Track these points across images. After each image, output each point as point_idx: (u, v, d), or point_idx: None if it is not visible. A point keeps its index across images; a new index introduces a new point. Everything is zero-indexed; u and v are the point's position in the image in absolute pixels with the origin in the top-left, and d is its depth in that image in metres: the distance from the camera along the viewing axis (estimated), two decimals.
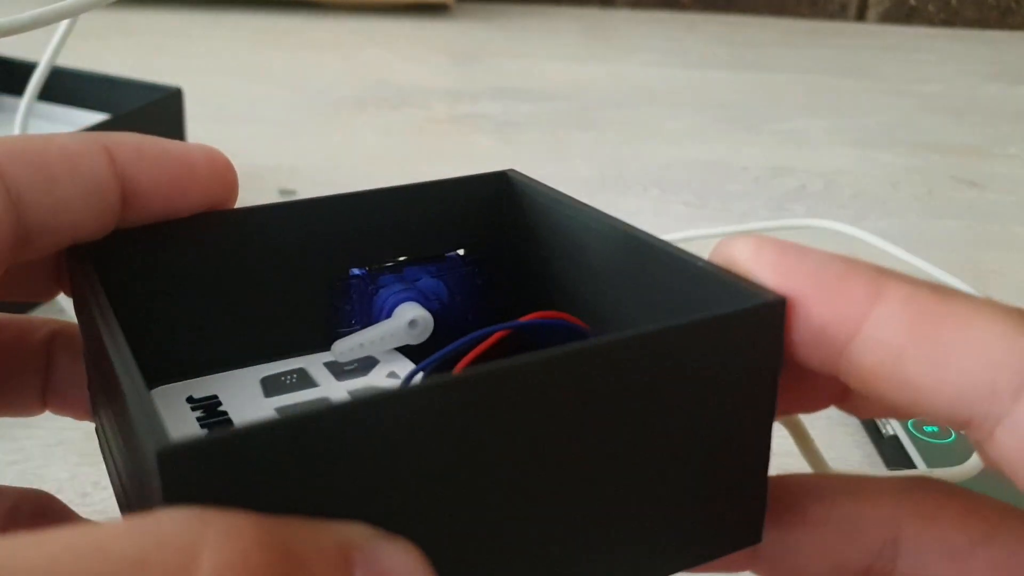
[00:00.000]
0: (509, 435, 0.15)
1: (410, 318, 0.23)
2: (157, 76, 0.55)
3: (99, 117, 0.51)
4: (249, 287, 0.22)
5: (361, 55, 0.87)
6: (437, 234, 0.24)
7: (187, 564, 0.12)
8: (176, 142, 0.21)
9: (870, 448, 0.39)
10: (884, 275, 0.16)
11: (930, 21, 1.09)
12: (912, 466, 0.36)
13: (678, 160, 0.67)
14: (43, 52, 0.38)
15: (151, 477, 0.13)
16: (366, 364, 0.23)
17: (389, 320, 0.23)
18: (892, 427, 0.38)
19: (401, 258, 0.24)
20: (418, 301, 0.24)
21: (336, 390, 0.22)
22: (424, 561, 0.15)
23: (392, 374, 0.23)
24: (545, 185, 0.23)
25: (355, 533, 0.14)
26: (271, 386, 0.23)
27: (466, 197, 0.24)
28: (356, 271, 0.24)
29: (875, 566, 0.18)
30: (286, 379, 0.23)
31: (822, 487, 0.19)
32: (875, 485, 0.18)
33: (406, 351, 0.24)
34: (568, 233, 0.22)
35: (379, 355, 0.23)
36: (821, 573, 0.19)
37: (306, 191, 0.58)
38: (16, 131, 0.40)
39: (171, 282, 0.21)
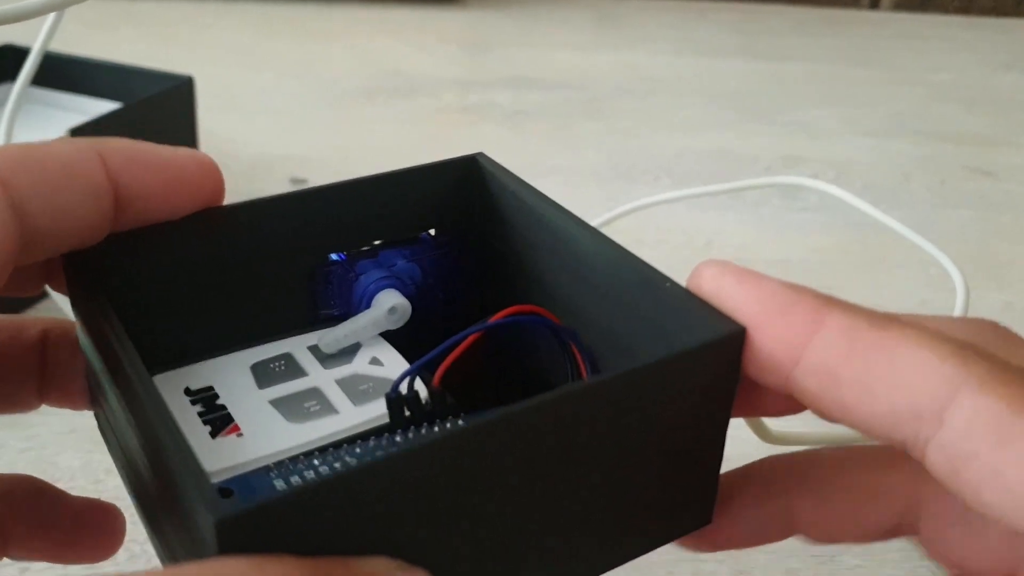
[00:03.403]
0: (505, 468, 0.17)
1: (390, 306, 0.25)
2: (168, 65, 0.55)
3: (111, 105, 0.51)
4: (235, 278, 0.23)
5: (371, 44, 0.87)
6: (410, 218, 0.25)
7: None
8: (166, 147, 0.22)
9: None
10: (827, 305, 0.17)
11: (944, 9, 1.08)
12: None
13: (689, 149, 0.67)
14: (51, 41, 0.38)
15: (201, 527, 0.16)
16: (349, 349, 0.25)
17: (370, 310, 0.25)
18: None
19: (377, 242, 0.25)
20: (395, 287, 0.25)
21: (324, 378, 0.24)
22: None
23: (375, 360, 0.24)
24: (511, 173, 0.25)
25: (381, 567, 0.17)
26: (262, 375, 0.24)
27: (436, 182, 0.25)
28: (335, 256, 0.25)
29: (901, 525, 0.20)
30: (275, 367, 0.24)
31: (848, 458, 0.21)
32: (895, 453, 0.19)
33: (386, 333, 0.25)
34: (534, 223, 0.24)
35: (364, 342, 0.25)
36: (852, 533, 0.21)
37: (317, 180, 0.58)
38: (6, 118, 0.39)
39: (163, 279, 0.22)
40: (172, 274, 0.22)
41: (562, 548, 0.19)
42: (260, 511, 0.15)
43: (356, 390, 0.23)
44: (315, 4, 0.97)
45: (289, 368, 0.24)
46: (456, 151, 0.56)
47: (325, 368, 0.24)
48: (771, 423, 0.24)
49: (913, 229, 0.57)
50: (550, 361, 0.24)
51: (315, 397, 0.23)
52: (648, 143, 0.68)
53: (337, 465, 0.21)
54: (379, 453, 0.21)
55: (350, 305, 0.25)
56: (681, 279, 0.21)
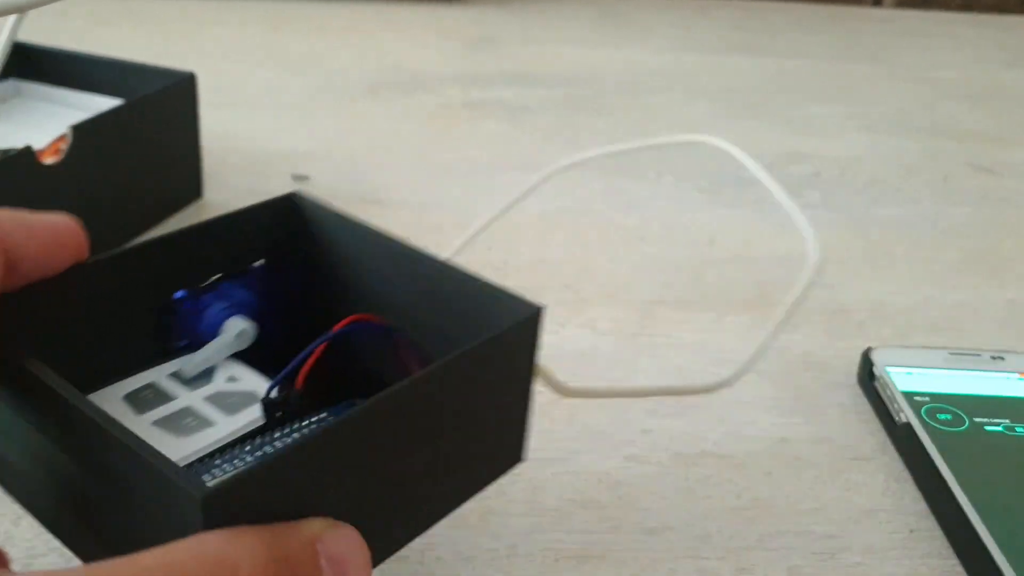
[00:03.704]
0: (380, 439, 0.23)
1: (237, 331, 0.29)
2: (170, 61, 0.55)
3: (113, 102, 0.51)
4: (98, 323, 0.27)
5: (374, 41, 0.87)
6: (241, 253, 0.30)
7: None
8: (40, 213, 0.25)
9: (883, 436, 0.39)
10: None
11: (947, 6, 1.08)
12: (926, 454, 0.35)
13: (692, 146, 0.67)
14: (51, 37, 0.37)
15: (183, 507, 0.19)
16: (206, 371, 0.29)
17: (221, 336, 0.29)
18: (905, 415, 0.37)
19: (216, 277, 0.30)
20: (239, 314, 0.30)
21: (194, 398, 0.28)
22: (361, 539, 0.22)
23: (231, 378, 0.29)
24: (325, 205, 0.30)
25: (317, 526, 0.21)
26: (137, 403, 0.27)
27: (260, 220, 0.30)
28: (180, 294, 0.29)
29: None
30: (145, 395, 0.28)
31: None
32: None
33: (238, 353, 0.30)
34: (353, 244, 0.30)
35: (218, 364, 0.29)
36: None
37: (319, 176, 0.58)
38: None
39: (43, 331, 0.25)
40: (50, 326, 0.25)
41: (424, 494, 0.25)
42: (234, 485, 0.19)
43: (224, 403, 0.28)
44: (318, 0, 0.97)
45: (158, 395, 0.28)
46: (459, 147, 0.58)
47: (191, 390, 0.28)
48: (565, 379, 0.30)
49: (915, 226, 0.57)
50: (385, 355, 0.29)
51: (191, 414, 0.28)
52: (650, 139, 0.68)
53: (237, 462, 0.26)
54: (267, 448, 0.26)
55: (198, 335, 0.30)
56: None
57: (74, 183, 0.44)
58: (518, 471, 0.35)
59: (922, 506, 0.35)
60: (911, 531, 0.34)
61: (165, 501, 0.20)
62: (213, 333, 0.29)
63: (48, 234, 0.25)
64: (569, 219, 0.55)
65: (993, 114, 0.77)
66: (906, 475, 0.37)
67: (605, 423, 0.38)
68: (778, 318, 0.41)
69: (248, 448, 0.27)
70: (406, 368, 0.29)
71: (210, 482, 0.20)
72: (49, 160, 0.43)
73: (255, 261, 0.31)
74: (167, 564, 0.18)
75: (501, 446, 0.28)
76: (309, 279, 0.31)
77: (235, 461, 0.27)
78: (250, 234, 0.30)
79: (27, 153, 0.42)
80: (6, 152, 0.42)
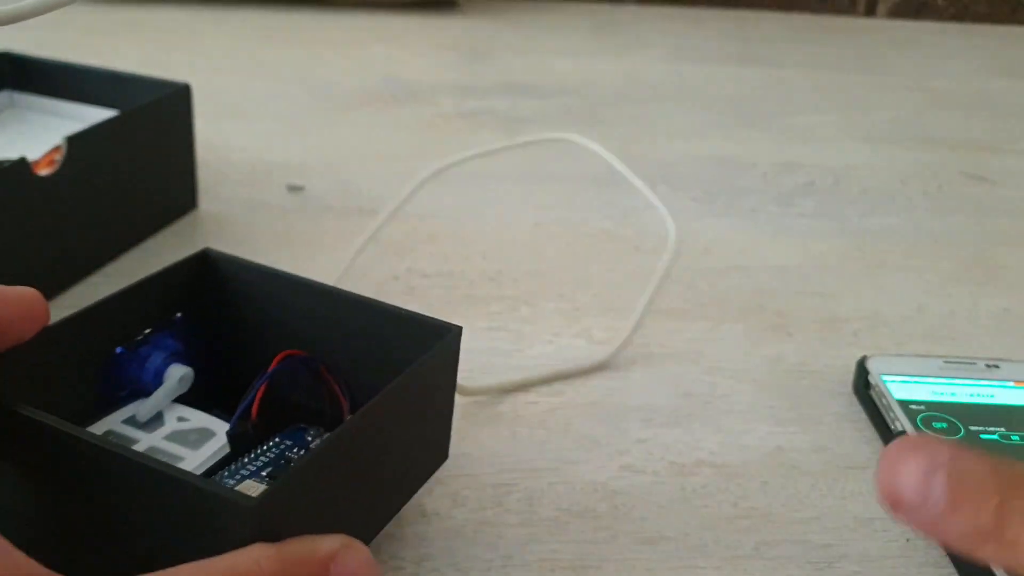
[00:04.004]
0: (357, 451, 0.27)
1: (180, 376, 0.33)
2: (165, 72, 0.55)
3: (107, 113, 0.51)
4: (59, 380, 0.29)
5: (369, 51, 0.87)
6: (163, 308, 0.33)
7: None
8: (10, 287, 0.27)
9: (879, 444, 0.39)
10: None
11: (940, 16, 1.09)
12: None
13: (687, 156, 0.67)
14: (46, 48, 0.37)
15: (228, 519, 0.22)
16: (156, 415, 0.32)
17: (165, 383, 0.32)
18: (901, 424, 0.37)
19: (146, 331, 0.33)
20: (177, 361, 0.33)
21: (155, 439, 0.31)
22: (370, 555, 0.24)
23: (181, 418, 0.32)
24: (238, 258, 0.34)
25: (334, 543, 0.24)
26: None
27: (178, 277, 0.33)
28: (119, 349, 0.32)
29: None
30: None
31: None
32: None
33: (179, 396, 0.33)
34: (266, 289, 0.33)
35: (164, 408, 0.32)
36: None
37: (314, 187, 0.58)
38: None
39: (15, 391, 0.27)
40: (21, 386, 0.27)
41: (383, 494, 0.29)
42: (272, 496, 0.23)
43: (185, 440, 0.31)
44: (313, 11, 0.97)
45: (120, 440, 0.30)
46: (454, 157, 0.57)
47: (148, 433, 0.31)
48: (464, 382, 0.36)
49: (909, 234, 0.58)
50: (311, 384, 0.33)
51: (158, 453, 0.30)
52: (645, 150, 0.68)
53: (234, 479, 0.29)
54: (243, 472, 0.29)
55: (140, 384, 0.32)
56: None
57: (69, 194, 0.44)
58: (513, 481, 0.35)
59: None
60: (908, 540, 0.34)
61: (205, 516, 0.22)
62: (157, 380, 0.32)
63: (20, 304, 0.27)
64: (563, 229, 0.55)
65: (986, 123, 0.78)
66: None
67: (600, 432, 0.38)
68: (648, 291, 0.43)
69: (226, 474, 0.29)
70: (332, 393, 0.33)
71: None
72: (44, 171, 0.43)
73: (174, 314, 0.34)
74: (207, 574, 0.21)
75: (435, 446, 0.32)
76: (229, 324, 0.34)
77: (227, 480, 0.29)
78: (170, 290, 0.33)
79: (22, 164, 0.42)
80: (1, 163, 0.42)
